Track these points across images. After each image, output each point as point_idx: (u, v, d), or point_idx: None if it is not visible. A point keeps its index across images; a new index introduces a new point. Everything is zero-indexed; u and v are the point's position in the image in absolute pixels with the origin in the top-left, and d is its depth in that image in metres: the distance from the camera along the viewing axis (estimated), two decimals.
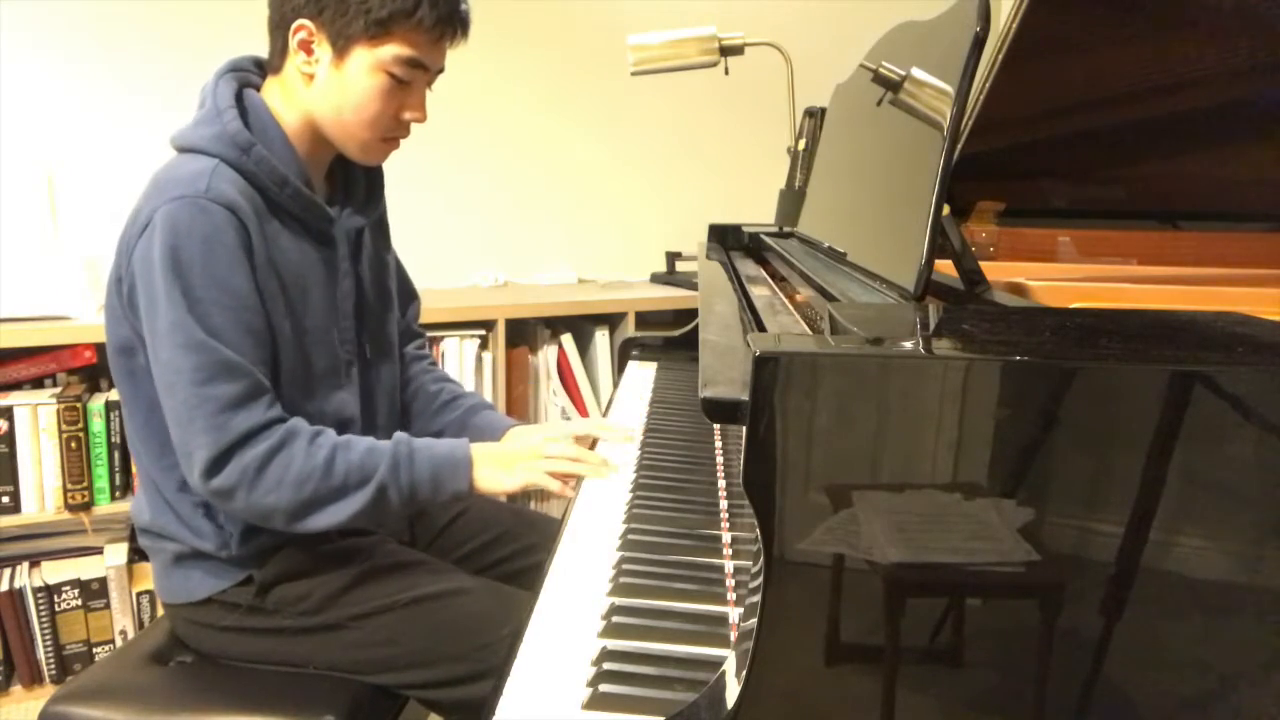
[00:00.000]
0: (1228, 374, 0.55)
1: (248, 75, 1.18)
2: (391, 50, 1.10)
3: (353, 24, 1.08)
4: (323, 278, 1.18)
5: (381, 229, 1.33)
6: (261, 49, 1.21)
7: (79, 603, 1.96)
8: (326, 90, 1.13)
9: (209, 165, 1.07)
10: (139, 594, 2.01)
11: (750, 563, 0.72)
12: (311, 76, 1.13)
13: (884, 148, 0.99)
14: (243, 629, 1.16)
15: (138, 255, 1.05)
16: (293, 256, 1.14)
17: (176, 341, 1.03)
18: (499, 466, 1.17)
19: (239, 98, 1.13)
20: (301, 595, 1.15)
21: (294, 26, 1.11)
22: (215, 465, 1.04)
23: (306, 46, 1.12)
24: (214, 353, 1.03)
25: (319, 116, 1.15)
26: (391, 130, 1.16)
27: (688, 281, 2.65)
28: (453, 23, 1.13)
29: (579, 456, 1.19)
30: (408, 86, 1.14)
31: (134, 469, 1.90)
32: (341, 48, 1.10)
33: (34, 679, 1.94)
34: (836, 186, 1.24)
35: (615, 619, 0.82)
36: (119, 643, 2.00)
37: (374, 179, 1.29)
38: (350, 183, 1.26)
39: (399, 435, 1.15)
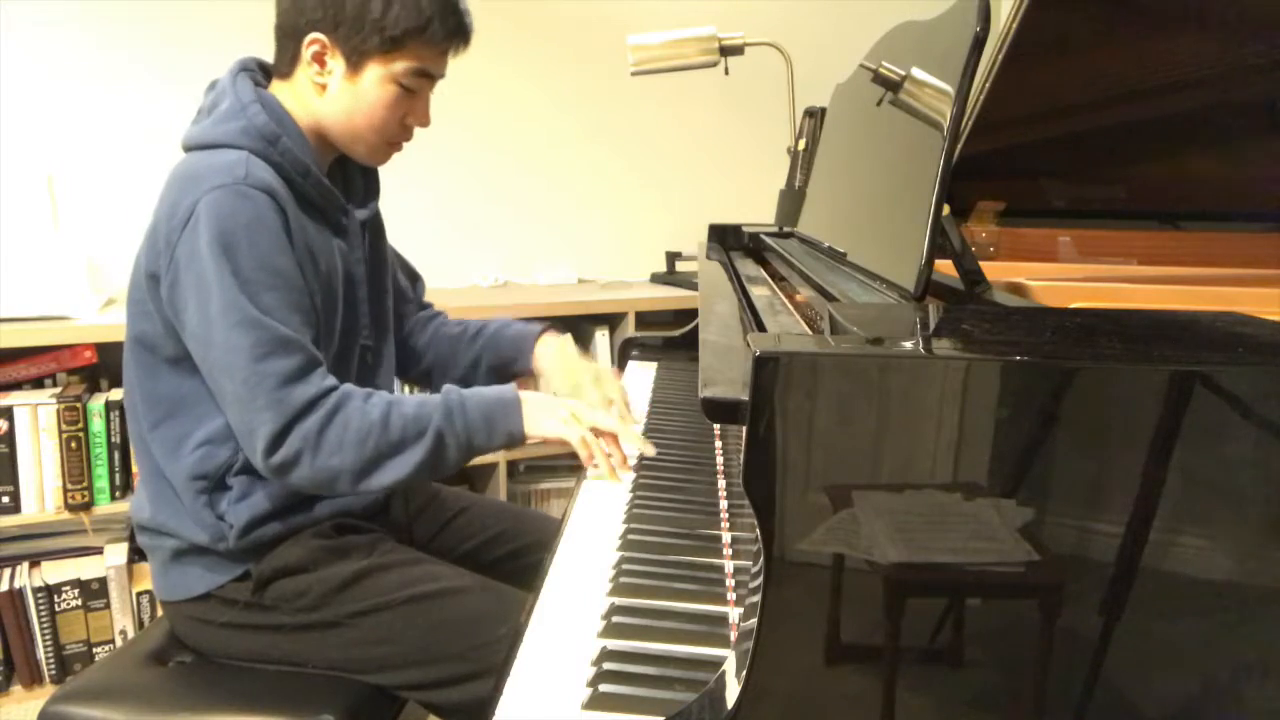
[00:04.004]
0: (1228, 374, 0.55)
1: (256, 75, 1.21)
2: (403, 64, 1.15)
3: (368, 40, 1.13)
4: (339, 267, 1.21)
5: (378, 225, 1.37)
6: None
7: (79, 603, 1.96)
8: (338, 100, 1.17)
9: (241, 155, 1.10)
10: (139, 594, 2.01)
11: (750, 563, 0.72)
12: (324, 86, 1.17)
13: (884, 148, 0.99)
14: (240, 625, 1.16)
15: (182, 248, 1.07)
16: (318, 244, 1.17)
17: (231, 321, 1.05)
18: (546, 411, 1.18)
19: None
20: (299, 591, 1.15)
21: (307, 39, 1.14)
22: (278, 439, 1.05)
23: (320, 59, 1.16)
24: (269, 329, 1.05)
25: (328, 122, 1.19)
26: (397, 135, 1.22)
27: (688, 281, 2.65)
28: (460, 35, 1.19)
29: (621, 434, 1.19)
30: (414, 94, 1.19)
31: (133, 467, 1.90)
32: (355, 62, 1.15)
33: (34, 679, 1.94)
34: (836, 186, 1.24)
35: (615, 619, 0.82)
36: (119, 643, 2.00)
37: (370, 177, 1.34)
38: (348, 180, 1.31)
39: (447, 386, 1.17)
